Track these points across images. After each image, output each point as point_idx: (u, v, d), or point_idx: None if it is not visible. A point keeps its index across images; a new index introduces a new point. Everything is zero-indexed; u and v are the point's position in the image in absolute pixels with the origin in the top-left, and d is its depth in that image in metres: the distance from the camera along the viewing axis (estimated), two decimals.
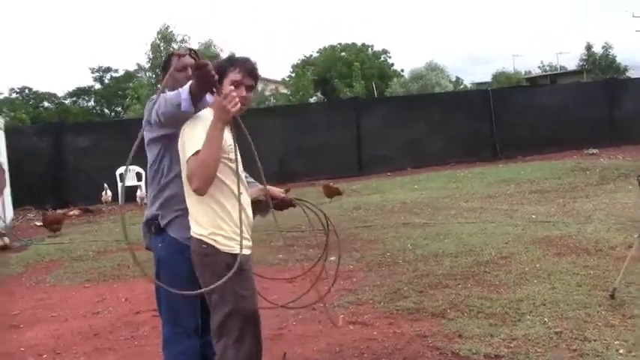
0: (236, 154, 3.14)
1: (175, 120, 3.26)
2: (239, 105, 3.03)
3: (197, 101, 3.17)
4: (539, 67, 47.09)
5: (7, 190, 14.60)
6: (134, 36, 61.62)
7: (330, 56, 40.01)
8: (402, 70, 40.00)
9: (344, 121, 20.37)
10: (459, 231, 8.93)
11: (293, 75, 39.14)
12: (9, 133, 16.64)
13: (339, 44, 41.76)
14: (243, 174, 3.48)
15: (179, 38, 27.97)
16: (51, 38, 76.57)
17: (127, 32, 62.02)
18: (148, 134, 3.54)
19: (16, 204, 15.95)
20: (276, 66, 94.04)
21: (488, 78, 41.20)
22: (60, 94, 48.64)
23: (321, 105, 28.37)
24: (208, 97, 3.29)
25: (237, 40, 72.23)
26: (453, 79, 41.34)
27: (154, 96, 3.47)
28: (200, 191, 3.10)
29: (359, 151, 20.25)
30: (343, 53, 40.39)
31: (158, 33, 27.33)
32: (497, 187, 13.63)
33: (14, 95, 46.17)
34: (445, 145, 20.38)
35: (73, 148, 17.80)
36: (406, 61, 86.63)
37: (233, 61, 3.32)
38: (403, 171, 19.23)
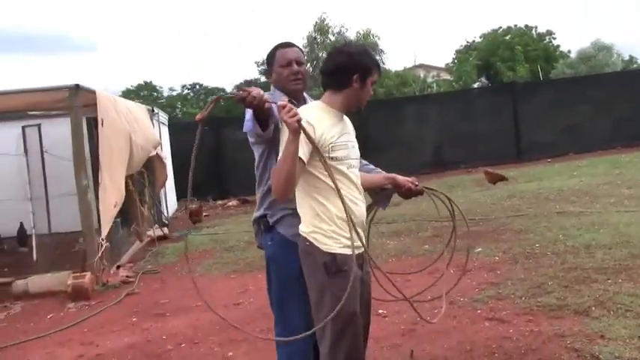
0: (327, 168, 3.02)
1: (254, 136, 3.36)
2: (297, 114, 2.87)
3: (262, 120, 3.17)
4: None
5: (171, 183, 15.31)
6: (293, 29, 62.62)
7: (494, 40, 38.80)
8: (569, 52, 38.10)
9: (502, 107, 19.62)
10: (616, 220, 8.29)
11: (456, 61, 38.42)
12: (173, 128, 17.42)
13: (501, 28, 40.42)
14: (358, 164, 3.37)
15: (336, 30, 28.13)
16: (217, 33, 79.83)
17: (286, 25, 63.21)
18: (249, 138, 3.52)
19: (181, 196, 16.70)
20: (438, 52, 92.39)
21: None
22: (228, 88, 50.67)
23: (479, 90, 27.50)
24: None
25: (396, 28, 71.45)
26: (626, 57, 38.77)
27: None
28: (277, 197, 3.10)
29: (517, 137, 19.48)
30: (507, 37, 39.04)
31: (314, 25, 27.58)
32: None
33: (186, 91, 48.45)
34: (611, 129, 19.10)
35: (231, 141, 18.33)
36: (572, 41, 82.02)
37: (375, 62, 3.31)
38: (565, 156, 18.27)
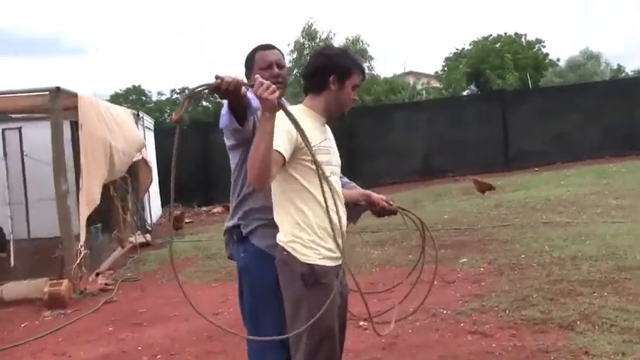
0: (315, 159, 2.87)
1: (232, 133, 3.19)
2: (276, 91, 2.71)
3: (239, 113, 3.04)
4: None
5: (156, 189, 15.12)
6: (279, 35, 62.12)
7: (483, 48, 38.89)
8: (558, 60, 38.21)
9: (491, 114, 19.50)
10: (602, 232, 8.18)
11: (445, 68, 38.48)
12: (159, 132, 17.25)
13: (491, 36, 40.48)
14: (335, 177, 3.22)
15: (324, 35, 27.96)
16: (217, 33, 79.58)
17: (272, 31, 62.62)
18: (226, 141, 3.37)
19: (166, 202, 16.48)
20: (427, 59, 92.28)
21: None
22: None
23: (468, 98, 27.45)
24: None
25: (386, 35, 71.37)
26: (614, 66, 38.81)
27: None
28: (254, 185, 2.86)
29: (506, 145, 19.40)
30: (497, 45, 39.13)
31: (302, 30, 27.39)
32: None
33: (175, 96, 48.18)
34: (599, 138, 18.97)
35: (218, 146, 18.11)
36: (561, 49, 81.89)
37: (356, 64, 3.17)
38: (552, 165, 18.11)
